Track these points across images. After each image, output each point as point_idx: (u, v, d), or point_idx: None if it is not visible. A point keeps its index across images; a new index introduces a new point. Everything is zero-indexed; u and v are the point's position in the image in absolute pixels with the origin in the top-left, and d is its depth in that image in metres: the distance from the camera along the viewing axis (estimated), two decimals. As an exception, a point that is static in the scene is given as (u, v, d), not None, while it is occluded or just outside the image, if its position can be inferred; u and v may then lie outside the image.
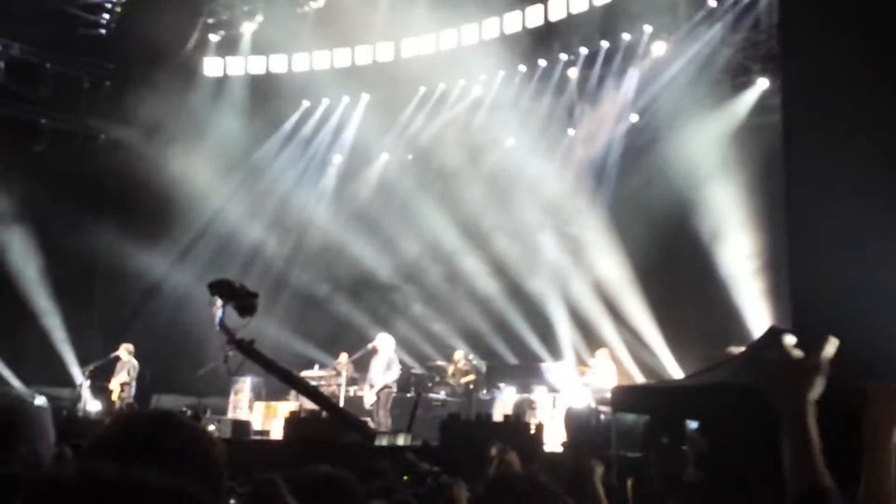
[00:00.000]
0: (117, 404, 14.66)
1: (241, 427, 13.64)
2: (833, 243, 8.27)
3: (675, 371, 14.65)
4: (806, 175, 9.09)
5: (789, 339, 2.01)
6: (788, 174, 9.73)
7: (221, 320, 4.06)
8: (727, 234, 14.49)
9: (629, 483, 9.44)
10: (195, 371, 15.29)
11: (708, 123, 15.29)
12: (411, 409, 12.43)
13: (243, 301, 4.12)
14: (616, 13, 16.54)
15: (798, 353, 2.00)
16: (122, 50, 19.67)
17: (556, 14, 17.19)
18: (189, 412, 12.98)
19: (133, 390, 14.98)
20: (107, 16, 20.06)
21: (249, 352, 4.06)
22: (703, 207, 14.72)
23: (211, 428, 12.63)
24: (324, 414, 13.09)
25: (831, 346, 2.00)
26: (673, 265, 15.12)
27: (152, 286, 18.37)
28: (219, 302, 4.10)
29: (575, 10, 16.91)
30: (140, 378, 15.20)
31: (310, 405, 14.23)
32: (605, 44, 17.21)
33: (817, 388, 1.96)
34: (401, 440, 11.55)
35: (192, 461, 1.83)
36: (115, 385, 14.81)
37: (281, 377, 4.43)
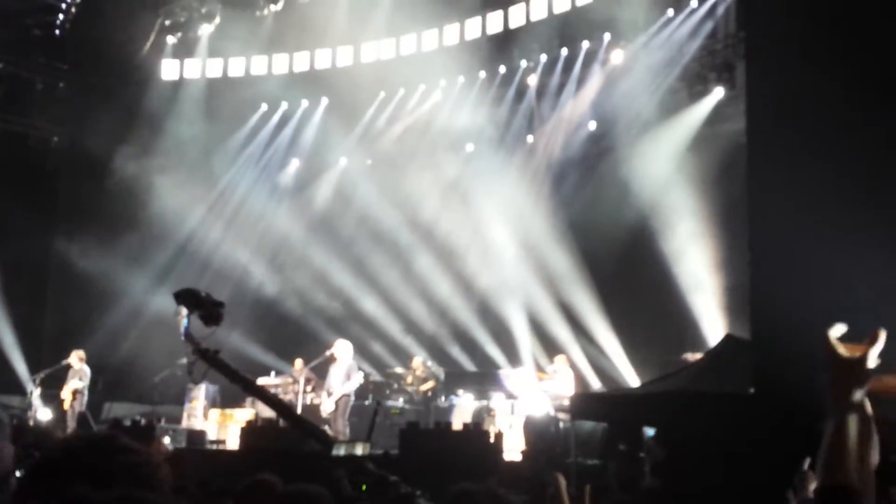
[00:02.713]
0: (69, 412, 14.35)
1: (196, 436, 13.48)
2: (794, 251, 8.24)
3: (632, 378, 14.71)
4: (767, 181, 9.06)
5: (834, 332, 1.94)
6: (750, 180, 9.67)
7: (187, 329, 4.04)
8: (684, 241, 14.56)
9: (587, 490, 9.46)
10: (149, 379, 15.04)
11: (665, 131, 15.42)
12: (371, 418, 12.34)
13: (209, 310, 4.10)
14: (575, 21, 16.61)
15: (842, 348, 1.92)
16: (77, 51, 19.36)
17: (516, 21, 17.21)
18: (143, 421, 12.78)
19: (85, 398, 14.67)
20: (61, 16, 19.72)
21: (214, 361, 4.05)
22: (660, 214, 14.80)
23: (166, 439, 12.43)
24: (281, 423, 13.02)
25: (881, 341, 1.92)
26: (630, 272, 15.19)
27: (105, 292, 17.99)
28: (184, 311, 4.07)
29: (535, 17, 16.95)
30: (92, 385, 14.89)
31: (267, 413, 14.13)
32: (564, 51, 17.28)
33: (863, 387, 1.88)
34: (359, 449, 11.42)
35: (136, 484, 1.80)
36: (66, 393, 14.47)
37: (244, 386, 4.47)
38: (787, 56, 8.67)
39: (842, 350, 1.91)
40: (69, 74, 19.76)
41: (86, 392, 14.65)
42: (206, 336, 4.12)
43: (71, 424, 14.02)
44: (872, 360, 1.89)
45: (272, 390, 14.45)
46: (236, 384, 4.09)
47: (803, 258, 7.92)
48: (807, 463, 5.41)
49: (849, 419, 1.86)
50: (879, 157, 7.75)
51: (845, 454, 1.85)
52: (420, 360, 15.28)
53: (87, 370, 14.72)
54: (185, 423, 14.73)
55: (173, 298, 4.07)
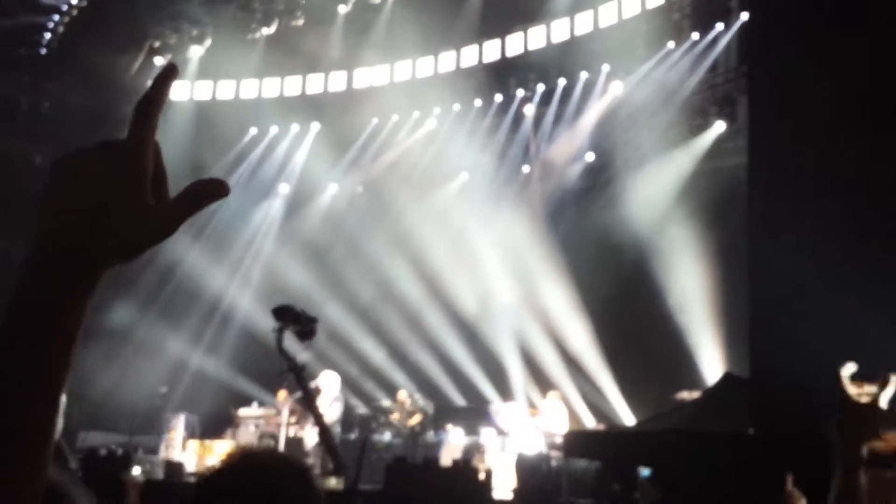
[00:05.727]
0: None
1: (173, 467, 13.00)
2: (794, 289, 8.09)
3: (627, 415, 14.40)
4: (768, 217, 9.02)
5: (846, 371, 1.94)
6: (751, 216, 9.63)
7: (280, 343, 4.07)
8: (683, 277, 14.31)
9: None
10: (127, 408, 14.60)
11: (664, 165, 15.22)
12: (359, 453, 11.95)
13: (304, 326, 4.10)
14: (574, 51, 16.51)
15: (855, 390, 1.93)
16: (63, 71, 19.08)
17: (514, 50, 17.07)
18: (119, 451, 12.36)
19: (60, 426, 14.14)
20: (48, 35, 19.46)
21: (300, 377, 4.08)
22: (658, 249, 14.56)
23: (135, 470, 11.97)
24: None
25: (893, 384, 1.92)
26: (627, 307, 14.88)
27: (86, 319, 17.51)
28: (279, 326, 4.10)
29: (532, 47, 16.81)
30: (66, 414, 14.40)
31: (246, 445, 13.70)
32: (562, 81, 17.10)
33: (876, 436, 1.89)
34: (332, 483, 11.02)
35: None
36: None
37: (307, 404, 4.67)
38: (788, 90, 8.58)
39: (853, 390, 1.91)
40: (54, 94, 19.46)
41: (61, 420, 14.14)
42: (302, 351, 4.21)
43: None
44: (884, 403, 1.90)
45: (254, 422, 14.15)
46: (306, 401, 4.18)
47: (803, 296, 7.73)
48: (790, 481, 5.08)
49: (858, 475, 1.85)
50: (883, 193, 7.62)
51: None
52: (406, 394, 14.87)
53: (62, 398, 14.21)
54: (162, 454, 14.24)
55: (272, 314, 4.11)
